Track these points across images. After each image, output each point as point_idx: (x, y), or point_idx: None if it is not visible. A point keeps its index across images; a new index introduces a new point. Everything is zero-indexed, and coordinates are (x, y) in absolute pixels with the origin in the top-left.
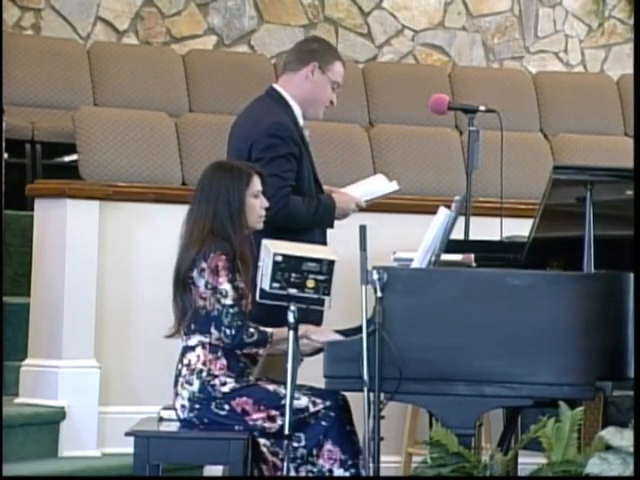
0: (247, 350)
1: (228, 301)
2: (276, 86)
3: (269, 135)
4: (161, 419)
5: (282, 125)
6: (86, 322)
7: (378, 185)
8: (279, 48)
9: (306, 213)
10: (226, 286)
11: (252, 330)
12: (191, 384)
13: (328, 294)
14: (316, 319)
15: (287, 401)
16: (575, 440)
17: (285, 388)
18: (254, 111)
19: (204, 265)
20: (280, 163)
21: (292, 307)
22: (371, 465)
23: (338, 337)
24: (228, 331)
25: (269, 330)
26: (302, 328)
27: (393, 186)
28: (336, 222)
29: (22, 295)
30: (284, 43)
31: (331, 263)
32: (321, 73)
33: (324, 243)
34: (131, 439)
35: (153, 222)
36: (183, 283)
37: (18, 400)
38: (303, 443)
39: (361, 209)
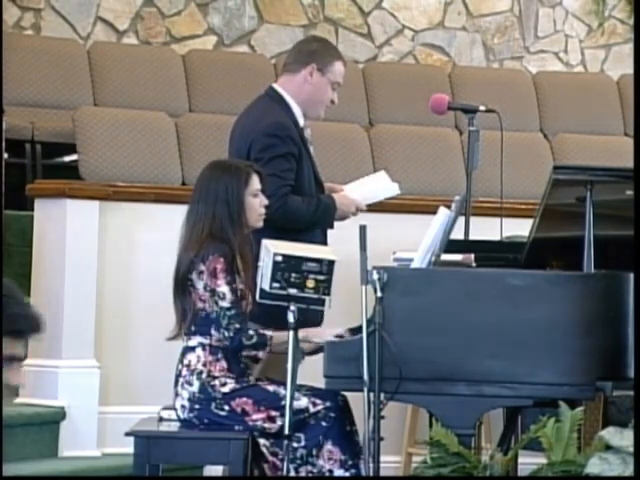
0: (246, 352)
1: (226, 304)
2: (276, 86)
3: (268, 135)
4: (161, 419)
5: (281, 125)
6: (86, 322)
7: (380, 187)
8: (279, 48)
9: (306, 212)
10: (224, 289)
11: (251, 333)
12: (191, 384)
13: (328, 294)
14: (317, 319)
15: (287, 401)
16: (575, 440)
17: (285, 388)
18: (254, 111)
19: (202, 267)
20: (279, 163)
21: (292, 307)
22: (371, 465)
23: (333, 340)
24: (226, 333)
25: (269, 333)
26: (302, 332)
27: (394, 190)
28: (335, 223)
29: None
30: (284, 43)
31: (331, 263)
32: (320, 75)
33: (325, 243)
34: (131, 439)
35: (153, 222)
36: (182, 285)
37: (18, 400)
38: (303, 443)
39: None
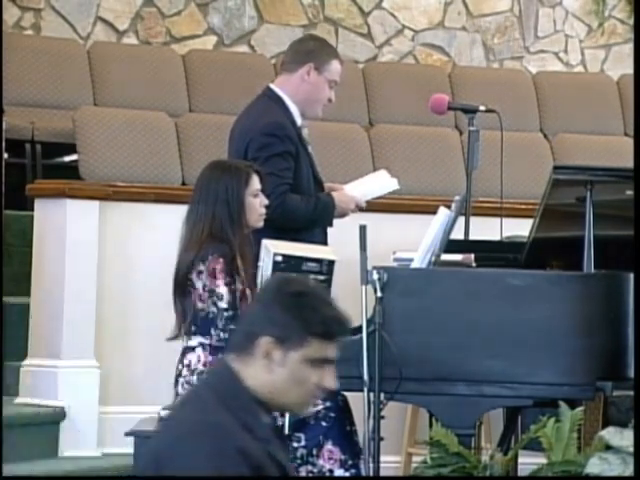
0: None
1: (223, 304)
2: (273, 86)
3: (265, 134)
4: (161, 419)
5: (278, 124)
6: (86, 322)
7: (379, 183)
8: (279, 48)
9: (304, 211)
10: (222, 289)
11: None
12: (191, 385)
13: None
14: None
15: None
16: (575, 440)
17: None
18: (252, 111)
19: (202, 268)
20: (276, 161)
21: None
22: (371, 465)
23: None
24: (222, 334)
25: None
26: None
27: (393, 185)
28: (335, 221)
29: (22, 295)
30: (284, 43)
31: (331, 263)
32: (317, 74)
33: (325, 243)
34: (131, 439)
35: (153, 222)
36: (182, 285)
37: (18, 400)
38: (303, 443)
39: (361, 209)
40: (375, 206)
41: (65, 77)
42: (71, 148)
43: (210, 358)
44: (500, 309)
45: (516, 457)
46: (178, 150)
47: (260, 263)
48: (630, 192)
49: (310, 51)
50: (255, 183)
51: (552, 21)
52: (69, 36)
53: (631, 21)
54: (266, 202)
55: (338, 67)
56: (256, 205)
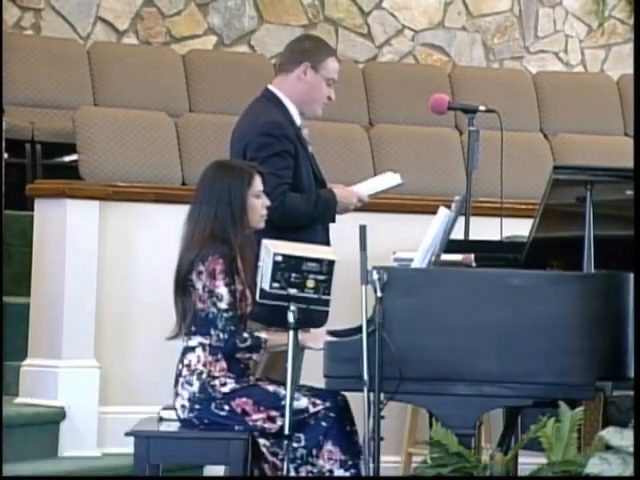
0: (240, 355)
1: (223, 305)
2: (271, 87)
3: (262, 134)
4: (161, 419)
5: (275, 123)
6: (86, 322)
7: (381, 179)
8: (279, 48)
9: (305, 209)
10: (222, 290)
11: (246, 336)
12: (191, 384)
13: (328, 294)
14: (320, 319)
15: (287, 401)
16: (575, 440)
17: (285, 389)
18: (250, 113)
19: (202, 268)
20: (275, 161)
21: (292, 307)
22: (371, 465)
23: (332, 340)
24: (221, 335)
25: (263, 336)
26: (299, 336)
27: (396, 179)
28: (336, 220)
29: (22, 295)
30: (284, 43)
31: (331, 263)
32: (314, 72)
33: (327, 242)
34: (131, 439)
35: (153, 222)
36: (183, 285)
37: (18, 400)
38: (303, 443)
39: (361, 208)
40: (375, 206)
41: (65, 77)
42: (71, 148)
43: (210, 358)
44: (500, 309)
45: (516, 457)
46: (178, 150)
47: (260, 263)
48: (630, 192)
49: (306, 50)
50: (258, 184)
51: (552, 21)
52: (69, 36)
53: (631, 21)
54: (268, 203)
55: (335, 65)
56: (258, 206)
